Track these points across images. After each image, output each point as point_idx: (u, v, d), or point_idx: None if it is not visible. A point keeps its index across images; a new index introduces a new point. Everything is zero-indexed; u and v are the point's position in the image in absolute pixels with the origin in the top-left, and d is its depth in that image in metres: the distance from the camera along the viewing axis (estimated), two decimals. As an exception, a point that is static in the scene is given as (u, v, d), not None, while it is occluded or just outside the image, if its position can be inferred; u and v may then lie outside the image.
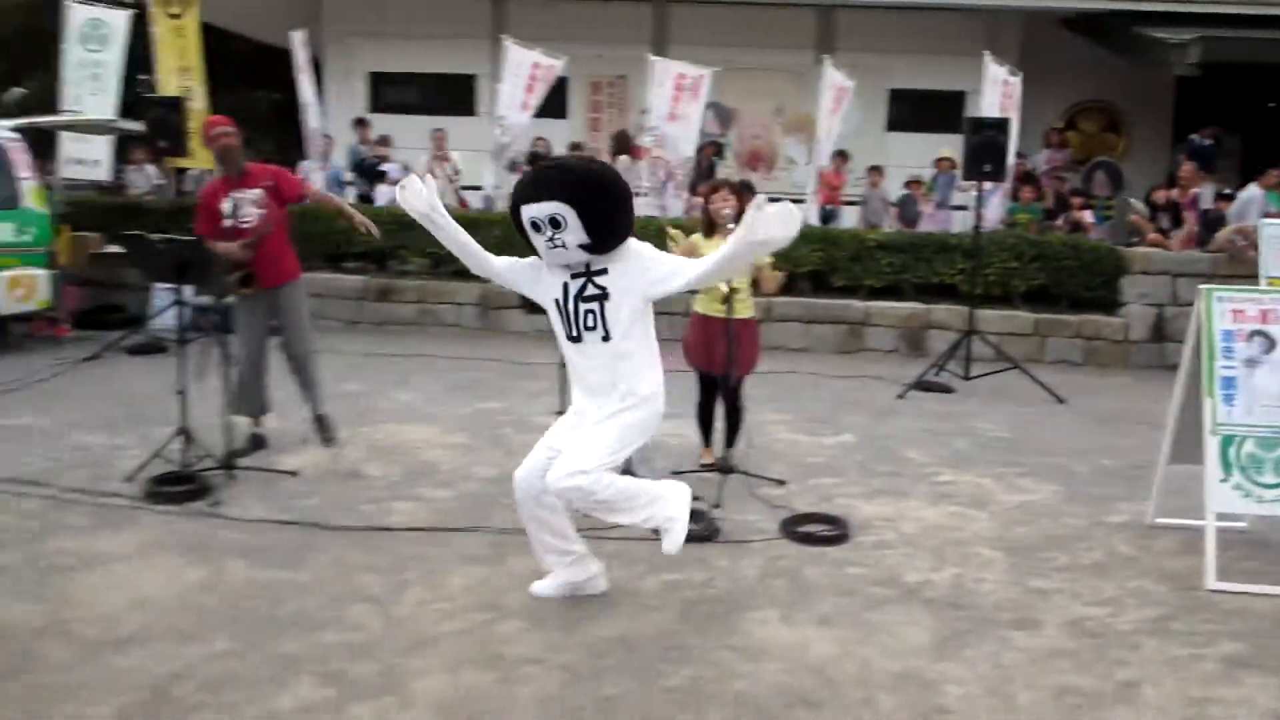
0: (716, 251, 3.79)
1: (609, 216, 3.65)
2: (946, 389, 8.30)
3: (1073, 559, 4.55)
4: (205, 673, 3.27)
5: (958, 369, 8.64)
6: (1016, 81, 11.03)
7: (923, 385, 8.25)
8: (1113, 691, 3.33)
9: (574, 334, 3.78)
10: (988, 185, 9.45)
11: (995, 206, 11.12)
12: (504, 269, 3.97)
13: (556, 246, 3.63)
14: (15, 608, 3.70)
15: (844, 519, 4.88)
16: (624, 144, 12.08)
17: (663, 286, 3.73)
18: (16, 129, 9.05)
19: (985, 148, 8.34)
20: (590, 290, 3.71)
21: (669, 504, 3.86)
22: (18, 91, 13.95)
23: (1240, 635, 3.77)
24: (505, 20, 13.09)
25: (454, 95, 13.84)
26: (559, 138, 12.69)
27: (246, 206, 5.58)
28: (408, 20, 13.43)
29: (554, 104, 12.26)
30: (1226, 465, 4.39)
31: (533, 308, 5.36)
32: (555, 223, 3.59)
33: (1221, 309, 4.54)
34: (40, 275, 8.64)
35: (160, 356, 8.60)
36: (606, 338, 3.73)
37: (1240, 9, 11.66)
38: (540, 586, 3.98)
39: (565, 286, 3.74)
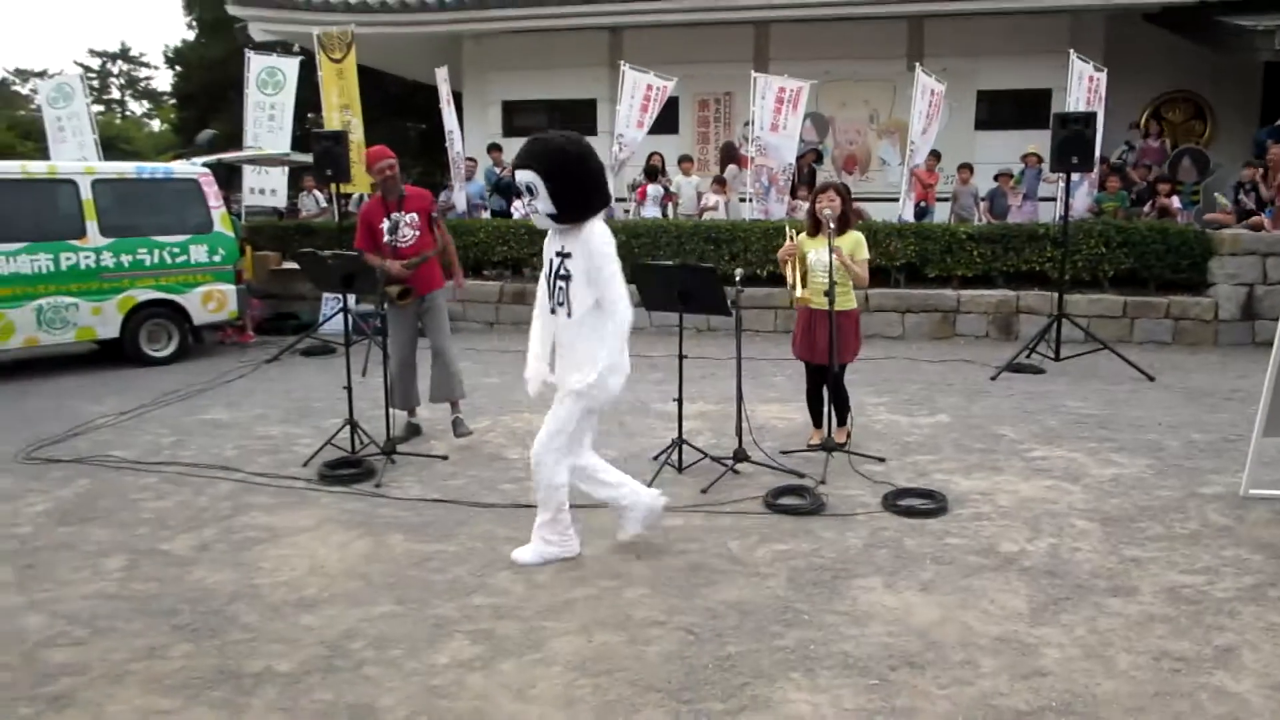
0: (604, 350, 3.76)
1: (574, 190, 3.71)
2: (1037, 370, 7.94)
3: (1167, 529, 4.29)
4: (372, 631, 3.38)
5: (1048, 351, 8.25)
6: (1101, 76, 10.45)
7: (1014, 367, 7.91)
8: (1212, 656, 3.13)
9: (551, 306, 3.87)
10: (1075, 176, 8.98)
11: (1082, 196, 10.57)
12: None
13: (532, 211, 3.78)
14: (214, 576, 3.90)
15: (942, 493, 4.71)
16: (731, 154, 11.98)
17: (598, 296, 3.76)
18: (207, 165, 9.54)
19: (1072, 141, 7.93)
20: (562, 269, 3.80)
21: (632, 494, 4.04)
22: (207, 133, 14.68)
23: (1341, 604, 3.49)
24: (621, 48, 13.12)
25: (577, 117, 13.96)
26: (670, 151, 12.66)
27: (404, 228, 5.74)
28: (535, 53, 13.61)
29: (666, 121, 12.22)
30: (1323, 438, 4.06)
31: (651, 305, 5.41)
32: (530, 189, 3.71)
33: (1315, 287, 4.19)
34: (229, 290, 9.09)
35: (329, 357, 8.97)
36: (569, 314, 3.80)
37: (1329, -7, 10.76)
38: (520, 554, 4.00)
39: (550, 262, 3.85)
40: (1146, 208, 10.61)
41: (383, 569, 3.94)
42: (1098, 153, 9.69)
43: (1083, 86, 10.27)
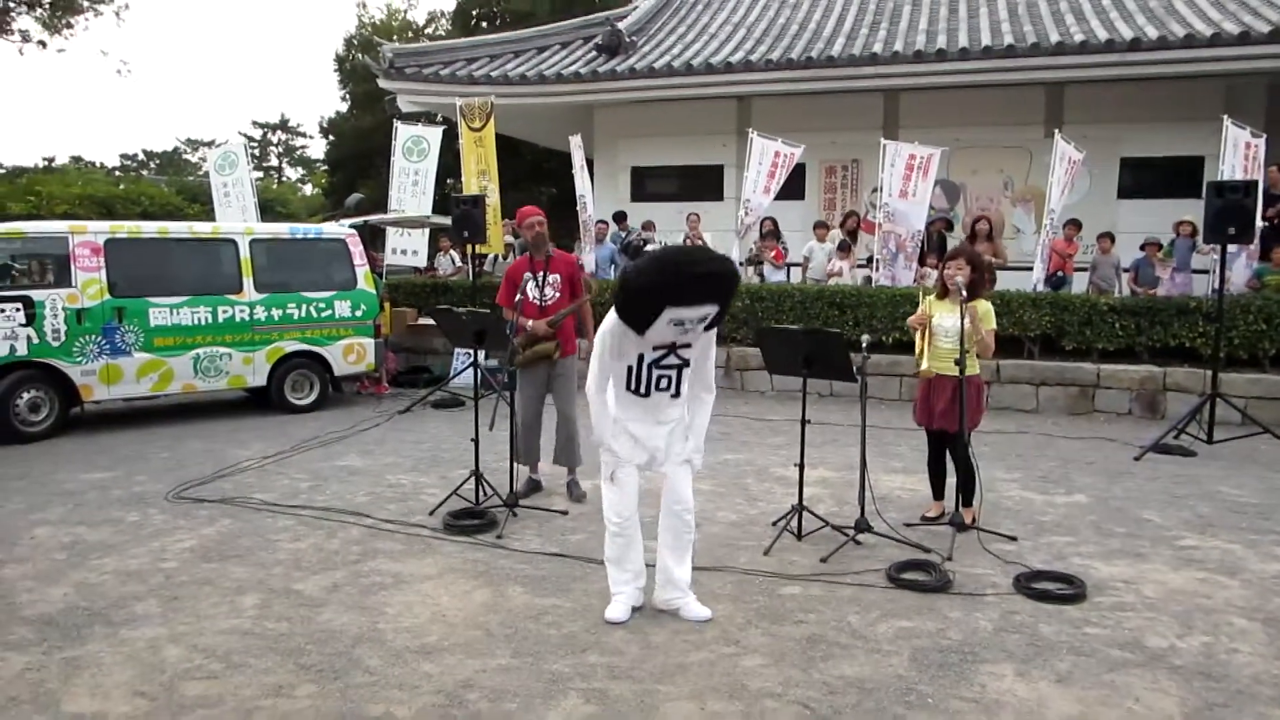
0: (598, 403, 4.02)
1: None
2: (1188, 452, 7.42)
3: (1341, 632, 3.90)
4: (489, 683, 3.41)
5: (1199, 433, 7.71)
6: (1260, 143, 9.90)
7: (1161, 448, 7.42)
8: (1396, 779, 2.80)
9: (643, 390, 4.00)
10: (1232, 248, 8.47)
11: (1240, 269, 9.95)
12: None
13: (689, 333, 3.81)
14: (341, 618, 4.03)
15: (1080, 578, 4.43)
16: (855, 222, 11.86)
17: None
18: (354, 226, 10.12)
19: (1229, 211, 7.49)
20: (672, 359, 3.95)
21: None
22: (355, 197, 15.65)
23: None
24: (750, 115, 13.31)
25: (704, 183, 14.18)
26: (796, 217, 12.67)
27: (547, 288, 5.89)
28: (664, 121, 13.96)
29: (793, 187, 12.27)
30: None
31: (774, 369, 5.36)
32: (704, 319, 3.76)
33: None
34: (368, 343, 9.55)
35: (458, 410, 9.25)
36: (675, 395, 4.03)
37: None
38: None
39: (641, 357, 3.93)
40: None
41: (500, 620, 3.98)
42: (1259, 224, 9.14)
43: (1239, 153, 9.74)
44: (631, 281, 3.73)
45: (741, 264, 11.84)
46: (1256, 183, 8.31)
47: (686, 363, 3.98)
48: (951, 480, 5.36)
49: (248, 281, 8.76)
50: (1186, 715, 3.20)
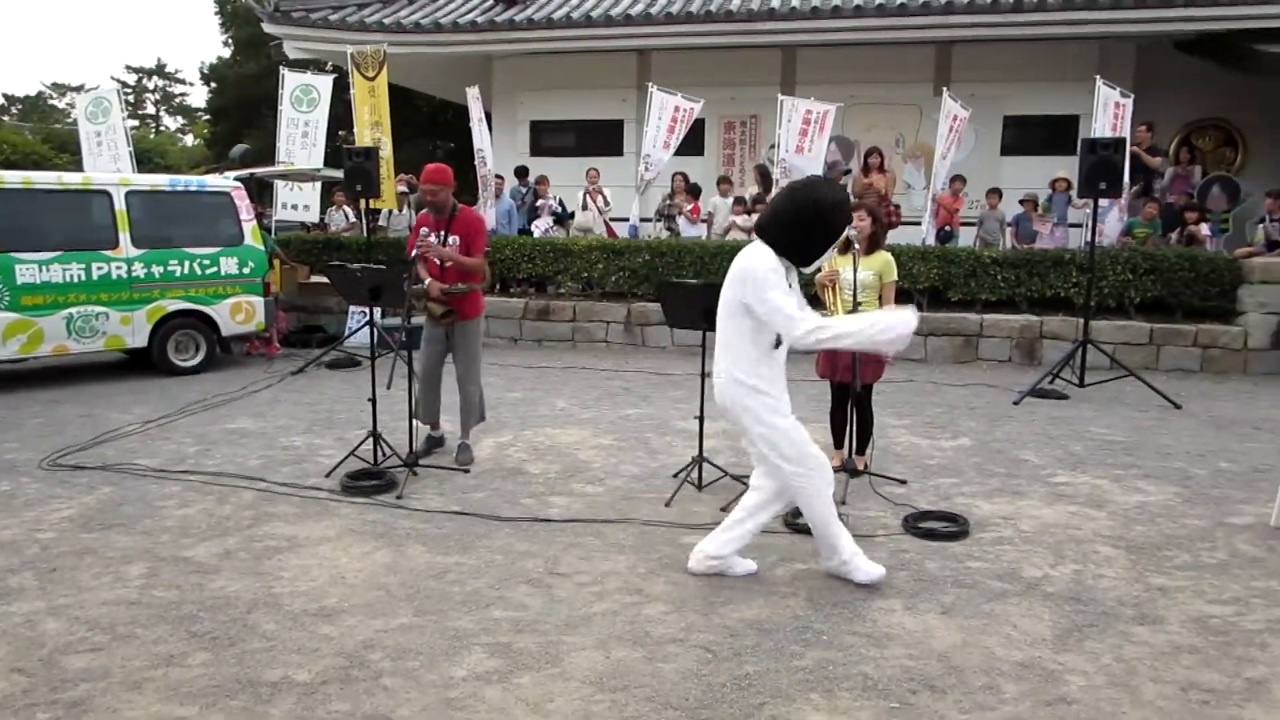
0: (838, 325, 3.63)
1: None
2: (1061, 396, 7.85)
3: (1195, 558, 4.21)
4: (391, 643, 3.37)
5: (1072, 377, 8.16)
6: (1128, 103, 10.39)
7: (1037, 392, 7.83)
8: (1242, 689, 3.05)
9: (776, 343, 3.79)
10: (1104, 202, 8.90)
11: (1112, 222, 10.48)
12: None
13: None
14: (234, 584, 3.91)
15: (964, 517, 4.65)
16: (766, 178, 11.89)
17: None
18: (240, 179, 9.67)
19: (1100, 167, 7.86)
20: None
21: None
22: (240, 148, 14.91)
23: (1375, 638, 3.41)
24: (649, 70, 13.21)
25: (604, 138, 14.04)
26: (696, 173, 12.69)
27: (446, 248, 5.69)
28: (564, 74, 13.72)
29: (692, 142, 12.28)
30: (1357, 469, 3.98)
31: (675, 323, 5.39)
32: None
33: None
34: (257, 301, 9.18)
35: (354, 370, 9.02)
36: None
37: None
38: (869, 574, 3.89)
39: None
40: (1175, 235, 10.51)
41: (402, 580, 3.94)
42: (1126, 178, 9.61)
43: (1108, 113, 10.21)
44: (834, 201, 3.63)
45: (651, 220, 11.83)
46: (1124, 140, 8.73)
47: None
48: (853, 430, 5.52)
49: (124, 236, 8.28)
50: (1057, 636, 3.41)
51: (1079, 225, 11.01)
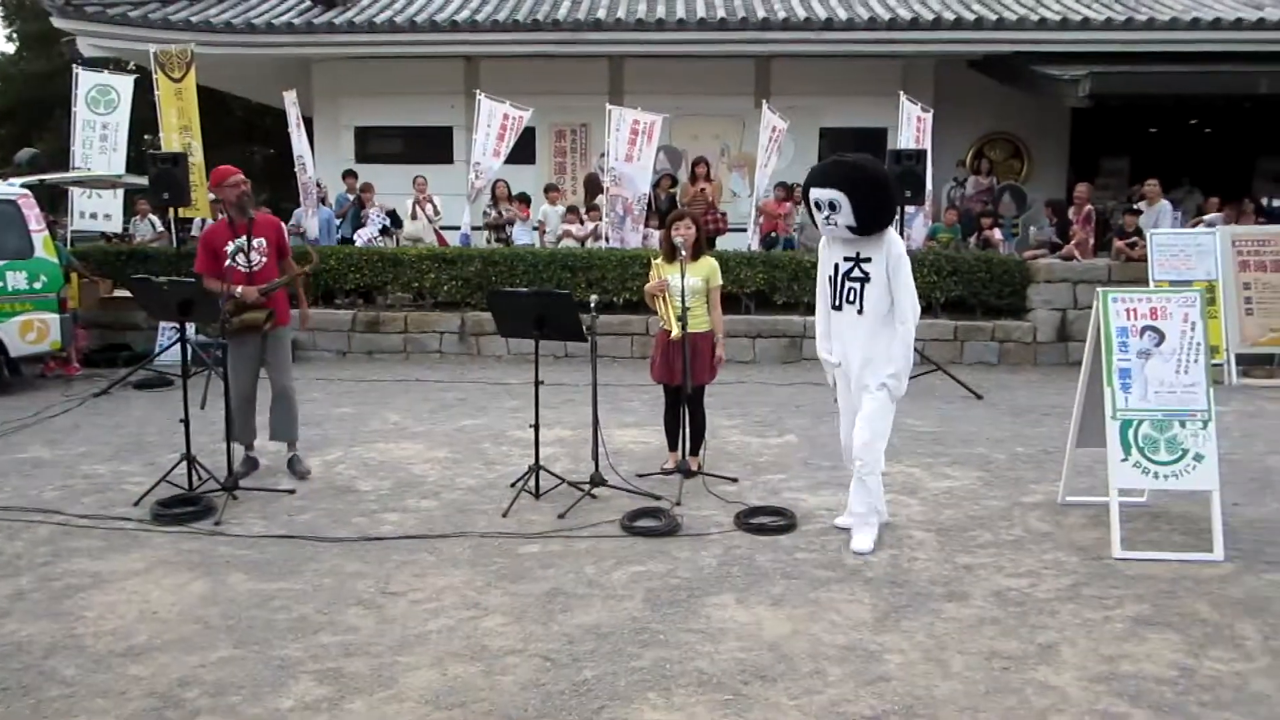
0: (901, 349, 4.31)
1: (874, 208, 4.20)
2: (880, 391, 8.31)
3: (995, 536, 4.56)
4: (210, 678, 3.17)
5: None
6: (928, 117, 11.16)
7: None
8: (1035, 653, 3.33)
9: (836, 303, 4.42)
10: (910, 209, 9.52)
11: (918, 228, 11.21)
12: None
13: (830, 224, 4.24)
14: (28, 628, 3.56)
15: (791, 510, 4.85)
16: (596, 186, 12.00)
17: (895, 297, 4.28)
18: (28, 185, 8.84)
19: (906, 176, 8.41)
20: (857, 272, 4.31)
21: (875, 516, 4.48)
22: (28, 151, 13.58)
23: (1144, 598, 3.80)
24: (477, 77, 13.05)
25: (433, 145, 13.75)
26: (527, 181, 12.64)
27: (254, 253, 5.44)
28: (390, 80, 13.34)
29: (523, 151, 12.22)
30: (1126, 446, 4.42)
31: (507, 332, 5.34)
32: (832, 205, 4.18)
33: (1117, 308, 4.58)
34: (51, 319, 8.40)
35: (165, 390, 8.43)
36: (860, 311, 4.32)
37: (1126, 48, 11.90)
38: (861, 542, 4.33)
39: (838, 265, 4.37)
40: (973, 240, 11.36)
41: (221, 611, 3.70)
42: (929, 187, 10.32)
43: (912, 126, 10.94)
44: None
45: (479, 229, 11.67)
46: (926, 151, 9.38)
47: (868, 277, 4.27)
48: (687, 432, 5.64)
49: (-111, 251, 7.41)
50: (877, 619, 3.61)
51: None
